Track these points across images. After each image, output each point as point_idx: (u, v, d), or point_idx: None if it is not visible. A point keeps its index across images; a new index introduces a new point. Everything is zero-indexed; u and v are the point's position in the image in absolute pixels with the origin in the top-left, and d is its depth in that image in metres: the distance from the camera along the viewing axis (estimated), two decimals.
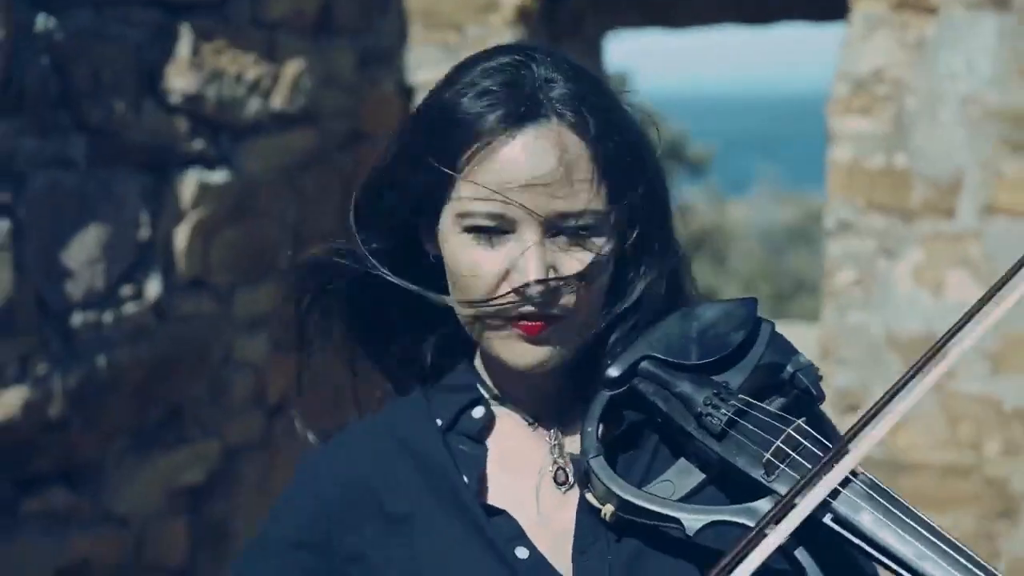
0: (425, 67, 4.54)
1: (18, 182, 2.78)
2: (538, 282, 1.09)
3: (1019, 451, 3.75)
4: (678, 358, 1.13)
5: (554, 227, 1.11)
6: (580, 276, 1.11)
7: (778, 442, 1.05)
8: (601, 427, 1.13)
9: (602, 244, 1.13)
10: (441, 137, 1.12)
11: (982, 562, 1.00)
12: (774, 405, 1.10)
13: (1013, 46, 3.71)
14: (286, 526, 1.22)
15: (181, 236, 3.32)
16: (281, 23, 3.71)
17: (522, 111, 1.11)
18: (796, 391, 1.11)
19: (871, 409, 1.01)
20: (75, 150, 2.92)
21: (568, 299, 1.11)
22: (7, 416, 2.72)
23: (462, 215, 1.11)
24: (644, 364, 1.14)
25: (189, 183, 3.30)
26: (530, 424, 1.20)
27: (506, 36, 4.30)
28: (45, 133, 2.81)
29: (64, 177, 2.90)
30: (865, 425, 1.02)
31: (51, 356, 2.82)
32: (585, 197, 1.11)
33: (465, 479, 1.16)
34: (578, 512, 1.14)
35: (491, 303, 1.12)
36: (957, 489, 3.86)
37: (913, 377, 1.03)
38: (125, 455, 3.06)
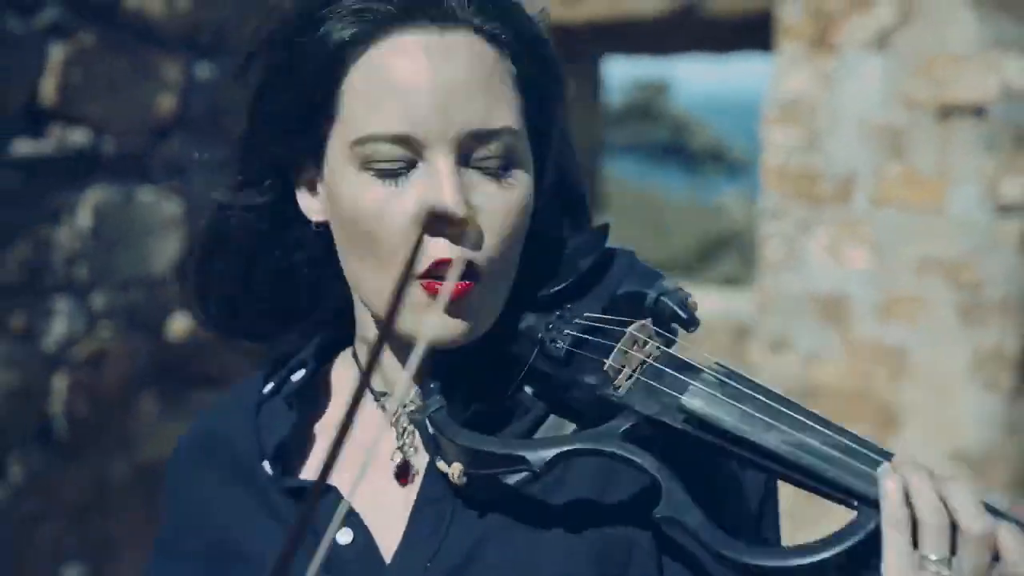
0: None
1: (183, 176, 4.02)
2: (454, 234, 0.92)
3: (898, 378, 4.83)
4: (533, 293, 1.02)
5: (468, 152, 0.94)
6: (504, 215, 0.96)
7: (619, 346, 0.96)
8: (440, 393, 0.99)
9: (522, 180, 0.97)
10: (317, 43, 0.94)
11: (851, 433, 0.92)
12: (638, 323, 0.99)
13: (892, 78, 4.78)
14: (166, 530, 1.12)
15: None
16: None
17: (424, 10, 0.94)
18: (664, 318, 1.00)
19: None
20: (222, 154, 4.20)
21: (491, 248, 0.95)
22: (179, 336, 3.99)
23: (357, 143, 0.94)
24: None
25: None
26: (377, 399, 1.06)
27: None
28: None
29: (213, 173, 4.16)
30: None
31: None
32: (503, 115, 0.95)
33: (267, 466, 1.03)
34: (419, 497, 1.00)
35: (394, 258, 0.94)
36: (856, 409, 4.92)
37: None
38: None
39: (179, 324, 3.95)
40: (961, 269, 4.81)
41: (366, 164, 0.93)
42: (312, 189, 0.99)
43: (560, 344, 0.97)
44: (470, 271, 0.93)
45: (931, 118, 4.80)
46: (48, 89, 3.44)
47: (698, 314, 0.99)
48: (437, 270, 0.92)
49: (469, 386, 1.00)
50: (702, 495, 0.90)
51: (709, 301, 5.63)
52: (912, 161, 4.86)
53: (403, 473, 1.00)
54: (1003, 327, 4.68)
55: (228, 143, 3.37)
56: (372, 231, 0.93)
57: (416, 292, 0.92)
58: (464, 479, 0.94)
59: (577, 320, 0.99)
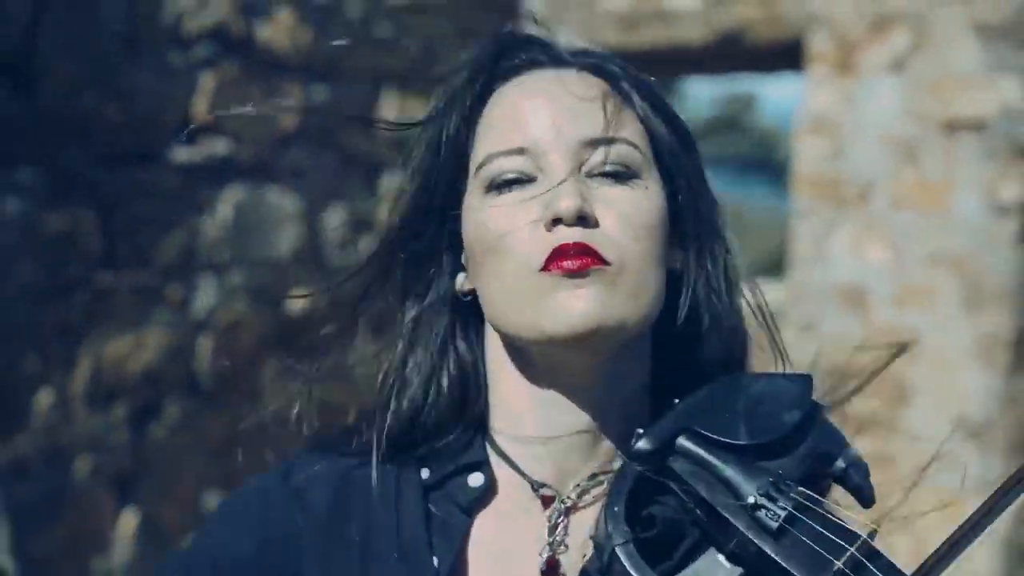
0: None
1: (301, 178, 4.76)
2: (571, 219, 0.92)
3: (910, 358, 5.31)
4: (724, 436, 0.93)
5: (584, 160, 0.95)
6: (623, 217, 0.94)
7: (852, 550, 0.90)
8: (624, 513, 0.91)
9: (646, 187, 0.96)
10: (451, 105, 1.00)
11: None
12: (861, 537, 0.93)
13: (906, 97, 5.20)
14: (242, 507, 1.07)
15: (386, 213, 5.31)
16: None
17: (539, 57, 1.00)
18: (846, 487, 0.96)
19: (940, 546, 0.97)
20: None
21: (616, 241, 0.94)
22: (297, 311, 4.72)
23: (481, 165, 0.97)
24: (682, 439, 0.93)
25: (390, 181, 5.24)
26: (536, 490, 0.98)
27: None
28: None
29: (325, 176, 4.88)
30: (948, 552, 0.93)
31: (320, 277, 4.81)
32: (619, 127, 0.96)
33: (435, 561, 0.95)
34: None
35: (527, 255, 0.93)
36: (874, 385, 5.53)
37: (970, 534, 0.96)
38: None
39: (296, 301, 4.73)
40: (964, 262, 5.18)
41: (491, 186, 0.96)
42: (458, 269, 1.01)
43: (775, 517, 0.89)
44: (596, 256, 0.92)
45: (939, 132, 5.19)
46: (200, 108, 4.19)
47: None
48: (559, 254, 0.92)
49: (650, 517, 0.92)
50: None
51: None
52: (923, 169, 5.24)
53: (552, 572, 0.95)
54: (1000, 313, 5.09)
55: (336, 150, 4.11)
56: (501, 243, 0.94)
57: (542, 281, 0.92)
58: None
59: (794, 495, 0.90)
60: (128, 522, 4.03)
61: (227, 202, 4.38)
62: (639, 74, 1.03)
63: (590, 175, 0.95)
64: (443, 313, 1.02)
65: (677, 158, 1.00)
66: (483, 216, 0.96)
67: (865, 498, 0.98)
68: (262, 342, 4.53)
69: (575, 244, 0.91)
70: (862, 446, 3.60)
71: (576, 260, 0.92)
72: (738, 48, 5.67)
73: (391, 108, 5.11)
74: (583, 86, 0.98)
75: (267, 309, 4.58)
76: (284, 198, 4.66)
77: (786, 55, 5.63)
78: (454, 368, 1.01)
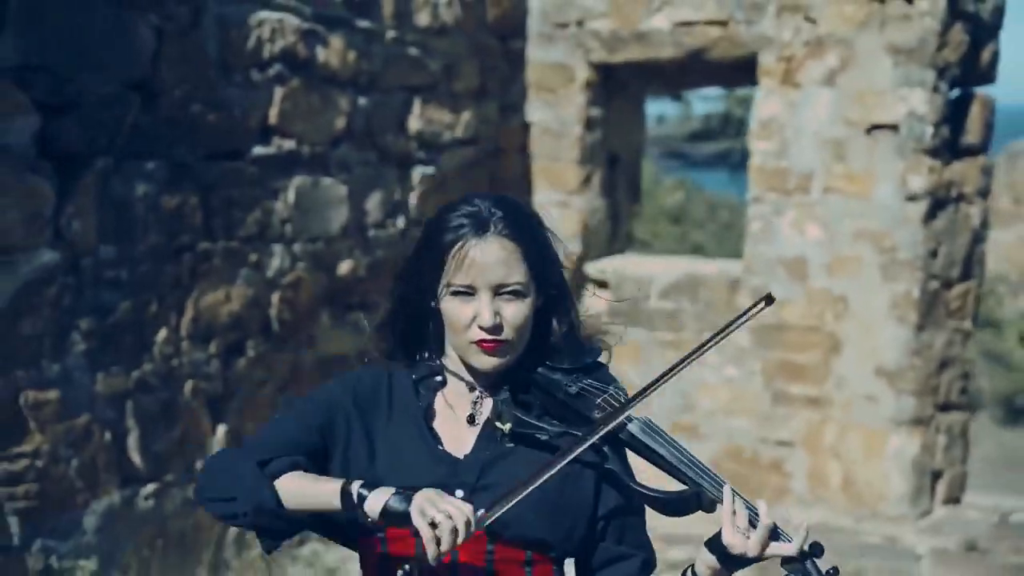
0: (536, 112, 6.73)
1: (348, 170, 5.75)
2: (489, 328, 1.79)
3: (840, 317, 6.04)
4: (558, 364, 1.89)
5: (498, 291, 1.80)
6: (513, 320, 1.80)
7: (599, 400, 1.84)
8: (508, 392, 1.87)
9: (527, 301, 1.82)
10: (437, 247, 1.81)
11: (700, 463, 1.78)
12: (609, 392, 1.87)
13: (837, 105, 6.00)
14: (322, 395, 1.92)
15: (413, 198, 6.26)
16: (460, 93, 6.44)
17: (479, 231, 1.79)
18: (610, 395, 1.86)
19: (642, 389, 1.80)
20: (373, 156, 5.90)
21: (507, 332, 1.81)
22: (344, 274, 5.75)
23: (448, 285, 1.80)
24: (540, 369, 1.89)
25: (417, 173, 6.29)
26: (470, 390, 1.90)
27: (580, 97, 6.58)
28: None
29: (366, 169, 5.89)
30: (638, 397, 1.81)
31: (362, 248, 5.84)
32: (515, 274, 1.80)
33: (420, 405, 1.89)
34: (479, 432, 1.87)
35: (467, 334, 1.81)
36: (811, 339, 6.14)
37: (660, 381, 1.80)
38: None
39: (345, 266, 5.72)
40: (882, 238, 5.97)
41: (453, 293, 1.82)
42: (439, 298, 1.85)
43: (573, 388, 1.85)
44: (499, 342, 1.81)
45: (862, 133, 5.99)
46: (273, 115, 5.10)
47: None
48: (482, 341, 1.81)
49: (522, 394, 1.87)
50: (622, 462, 1.82)
51: (712, 266, 7.09)
52: (850, 163, 6.03)
53: (471, 420, 1.88)
54: (910, 280, 5.91)
55: (375, 149, 5.21)
56: (455, 323, 1.82)
57: (474, 348, 1.82)
58: (510, 430, 1.81)
59: (580, 384, 1.86)
60: (220, 433, 5.03)
61: (293, 188, 5.25)
62: (533, 230, 1.86)
63: (500, 295, 1.80)
64: (423, 308, 1.90)
65: (544, 270, 1.85)
66: (448, 305, 1.82)
67: (620, 402, 1.85)
68: (317, 298, 5.47)
69: (490, 340, 1.80)
70: (801, 389, 4.83)
71: (490, 346, 1.81)
72: (702, 64, 6.49)
73: (417, 115, 6.14)
74: (500, 251, 1.79)
75: (322, 272, 5.48)
76: (335, 186, 5.54)
77: (742, 70, 6.48)
78: (423, 328, 1.93)
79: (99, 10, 4.29)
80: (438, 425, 1.88)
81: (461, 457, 1.84)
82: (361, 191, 5.69)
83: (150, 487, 4.66)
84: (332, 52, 5.43)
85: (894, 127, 5.96)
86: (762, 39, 6.28)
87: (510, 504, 1.70)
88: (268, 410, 5.20)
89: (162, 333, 4.69)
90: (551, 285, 1.87)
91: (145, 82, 4.51)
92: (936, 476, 6.24)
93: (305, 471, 1.80)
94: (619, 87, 7.01)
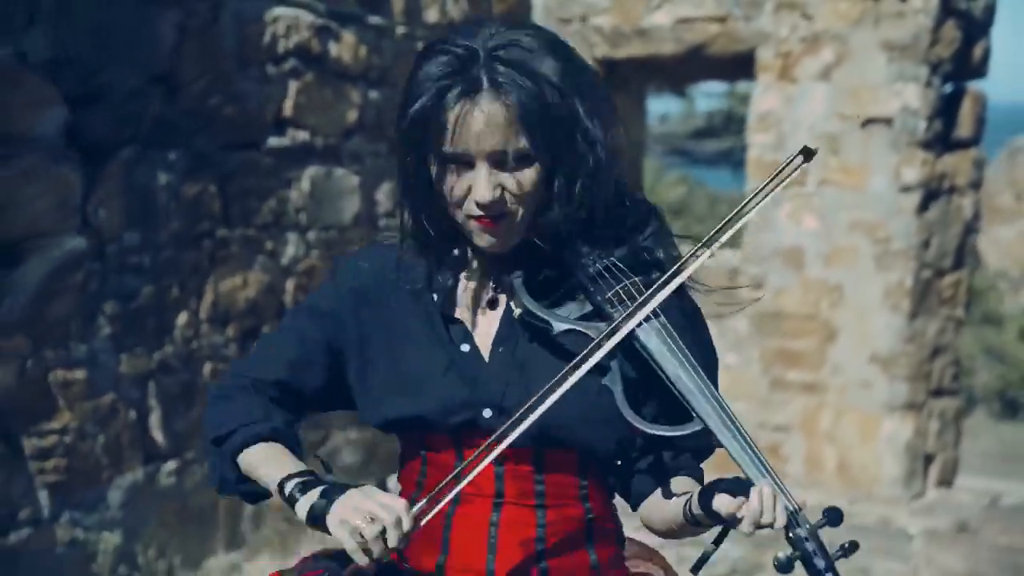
0: None
1: (360, 162, 5.92)
2: (487, 204, 1.53)
3: (836, 305, 6.20)
4: (603, 231, 1.60)
5: (497, 160, 1.53)
6: (515, 191, 1.54)
7: (617, 288, 1.56)
8: (523, 269, 1.62)
9: (534, 167, 1.54)
10: (417, 103, 1.53)
11: (718, 396, 1.51)
12: (632, 280, 1.58)
13: (832, 100, 6.15)
14: (316, 301, 1.74)
15: None
16: None
17: (471, 88, 1.50)
18: (652, 263, 1.61)
19: (662, 280, 1.54)
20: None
21: (511, 204, 1.56)
22: None
23: (438, 151, 1.54)
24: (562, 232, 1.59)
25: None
26: (490, 268, 1.67)
27: None
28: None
29: (377, 160, 6.04)
30: (662, 287, 1.52)
31: (373, 237, 5.97)
32: (518, 138, 1.51)
33: (435, 297, 1.67)
34: (500, 321, 1.66)
35: (462, 210, 1.57)
36: (807, 326, 6.29)
37: (672, 277, 1.54)
38: None
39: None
40: (877, 229, 6.12)
41: (442, 160, 1.56)
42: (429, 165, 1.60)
43: (592, 270, 1.57)
44: (499, 215, 1.56)
45: (857, 127, 6.13)
46: (288, 108, 5.25)
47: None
48: (478, 218, 1.57)
49: (540, 271, 1.62)
50: (631, 373, 1.55)
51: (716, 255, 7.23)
52: (845, 156, 6.17)
53: (492, 304, 1.67)
54: (904, 269, 6.06)
55: (385, 140, 5.34)
56: (447, 196, 1.58)
57: (473, 225, 1.58)
58: (520, 318, 1.60)
59: (605, 260, 1.58)
60: None
61: (307, 178, 5.42)
62: (540, 74, 1.53)
63: (500, 165, 1.54)
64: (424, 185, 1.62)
65: (552, 133, 1.54)
66: (440, 175, 1.57)
67: (660, 267, 1.63)
68: None
69: (487, 218, 1.56)
70: (797, 375, 5.01)
71: (486, 223, 1.57)
72: (701, 60, 6.65)
73: None
74: (495, 113, 1.50)
75: (333, 260, 5.68)
76: (347, 176, 5.70)
77: (741, 65, 6.63)
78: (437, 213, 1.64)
79: (124, 5, 4.49)
80: (461, 314, 1.68)
81: (486, 357, 1.65)
82: (372, 182, 5.87)
83: (171, 464, 4.86)
84: (344, 47, 5.60)
85: (888, 121, 6.12)
86: (760, 35, 6.44)
87: (492, 455, 1.51)
88: None
89: (182, 317, 4.88)
90: (568, 145, 1.56)
91: (167, 75, 4.70)
92: (928, 460, 6.42)
93: (275, 438, 1.65)
94: (621, 82, 7.14)
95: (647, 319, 1.53)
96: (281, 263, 5.37)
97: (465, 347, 1.66)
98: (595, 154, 1.58)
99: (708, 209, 17.08)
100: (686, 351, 1.52)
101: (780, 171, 1.59)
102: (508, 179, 1.55)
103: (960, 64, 6.23)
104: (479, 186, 1.54)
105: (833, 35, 6.23)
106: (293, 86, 5.33)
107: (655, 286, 1.53)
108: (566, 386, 1.49)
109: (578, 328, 1.56)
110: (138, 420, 4.68)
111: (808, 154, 1.57)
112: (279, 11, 5.21)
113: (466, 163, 1.55)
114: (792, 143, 6.38)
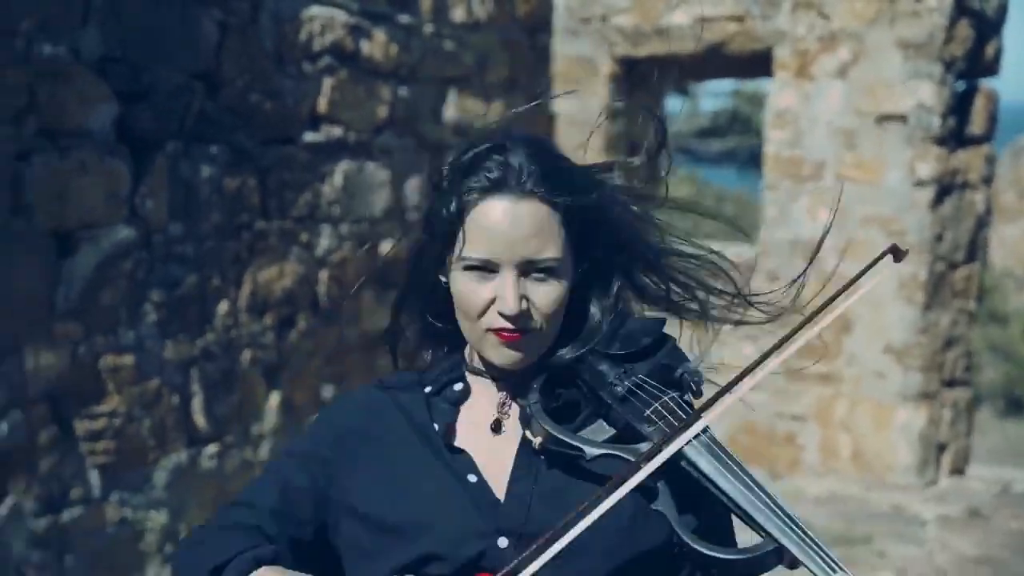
0: (563, 103, 6.93)
1: (390, 156, 6.08)
2: (512, 316, 1.40)
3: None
4: (604, 349, 1.49)
5: (525, 269, 1.41)
6: (542, 306, 1.42)
7: (656, 405, 1.41)
8: (540, 391, 1.47)
9: (561, 281, 1.44)
10: (449, 208, 1.43)
11: (782, 506, 1.31)
12: (670, 396, 1.43)
13: (848, 97, 6.28)
14: (302, 446, 1.57)
15: None
16: (492, 85, 6.73)
17: (502, 189, 1.40)
18: (687, 386, 1.46)
19: (715, 395, 1.37)
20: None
21: (535, 319, 1.43)
22: (386, 254, 6.02)
23: (460, 258, 1.42)
24: (579, 353, 1.49)
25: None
26: (498, 391, 1.52)
27: (603, 90, 6.83)
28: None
29: (406, 155, 6.20)
30: (709, 406, 1.36)
31: (402, 230, 6.10)
32: (549, 247, 1.41)
33: (436, 427, 1.50)
34: (518, 451, 1.47)
35: (481, 321, 1.43)
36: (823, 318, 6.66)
37: (739, 381, 1.38)
38: None
39: (386, 246, 6.03)
40: (891, 222, 6.26)
41: (466, 268, 1.44)
42: (444, 271, 1.49)
43: (621, 389, 1.44)
44: (523, 332, 1.43)
45: (872, 123, 6.26)
46: (322, 104, 5.41)
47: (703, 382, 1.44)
48: (501, 331, 1.43)
49: (557, 395, 1.48)
50: (680, 498, 1.36)
51: (728, 250, 7.34)
52: (860, 152, 6.31)
53: (496, 428, 1.51)
54: (917, 262, 6.20)
55: (414, 136, 5.52)
56: (468, 308, 1.44)
57: (490, 339, 1.44)
58: (542, 447, 1.42)
59: (634, 378, 1.45)
60: (274, 400, 5.39)
61: (340, 172, 5.57)
62: (573, 184, 1.45)
63: (526, 275, 1.43)
64: (433, 288, 1.52)
65: (589, 240, 1.47)
66: (460, 283, 1.44)
67: (693, 391, 1.46)
68: (361, 276, 5.76)
69: (511, 329, 1.43)
70: (813, 368, 5.08)
71: (510, 337, 1.43)
72: (720, 58, 6.80)
73: (452, 105, 6.49)
74: (532, 217, 1.41)
75: (365, 252, 5.81)
76: (378, 170, 5.86)
77: (758, 64, 6.78)
78: (439, 323, 1.56)
79: (169, 5, 4.66)
80: (465, 445, 1.51)
81: (502, 486, 1.47)
82: (401, 176, 6.03)
83: (212, 448, 5.02)
84: (376, 45, 5.76)
85: (902, 118, 6.26)
86: (777, 34, 6.59)
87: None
88: (316, 380, 5.56)
89: (223, 306, 5.04)
90: (594, 259, 1.52)
91: (209, 73, 4.86)
92: (941, 448, 6.57)
93: (278, 561, 1.44)
94: (640, 80, 7.27)
95: (696, 436, 1.37)
96: (315, 254, 5.52)
97: (472, 478, 1.47)
98: (629, 270, 1.53)
99: (715, 207, 17.18)
100: (742, 465, 1.37)
101: (867, 269, 1.51)
102: (535, 290, 1.44)
103: (973, 62, 6.36)
104: (507, 294, 1.42)
105: (849, 34, 6.37)
106: (327, 83, 5.49)
107: (712, 399, 1.39)
108: (603, 507, 1.31)
109: (615, 453, 1.40)
110: (181, 404, 4.84)
111: (897, 254, 1.47)
112: (315, 10, 5.37)
113: (489, 270, 1.43)
114: (809, 139, 6.55)
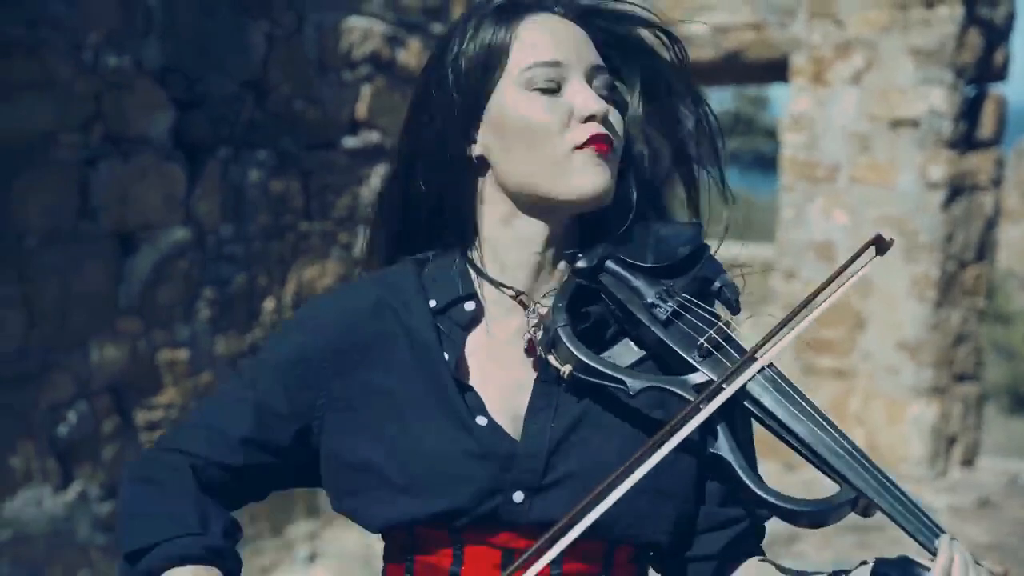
0: None
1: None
2: (602, 116, 1.21)
3: (865, 295, 6.51)
4: (636, 260, 1.26)
5: (590, 79, 1.24)
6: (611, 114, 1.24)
7: (711, 332, 1.21)
8: (567, 307, 1.25)
9: (616, 102, 1.26)
10: (490, 36, 1.24)
11: (861, 450, 1.15)
12: (722, 320, 1.23)
13: (862, 102, 6.50)
14: (286, 353, 1.30)
15: None
16: None
17: (547, 6, 1.27)
18: (720, 300, 1.26)
19: (780, 323, 1.18)
20: None
21: (612, 132, 1.24)
22: None
23: (526, 69, 1.22)
24: (609, 261, 1.27)
25: None
26: (515, 299, 1.28)
27: None
28: None
29: None
30: (776, 333, 1.17)
31: None
32: (605, 64, 1.26)
33: (446, 356, 1.25)
34: (536, 381, 1.25)
35: (562, 137, 1.22)
36: (838, 315, 6.57)
37: (804, 307, 1.18)
38: None
39: None
40: (904, 223, 6.45)
41: (530, 86, 1.23)
42: (473, 141, 1.26)
43: (663, 312, 1.23)
44: (611, 145, 1.24)
45: (886, 127, 6.47)
46: (361, 110, 5.64)
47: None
48: (595, 140, 1.22)
49: (585, 314, 1.27)
50: (739, 443, 1.17)
51: (744, 250, 7.54)
52: (874, 155, 6.51)
53: (531, 349, 1.27)
54: (929, 261, 6.40)
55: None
56: (542, 127, 1.22)
57: (579, 158, 1.22)
58: (570, 377, 1.21)
59: (677, 298, 1.24)
60: None
61: (377, 175, 5.77)
62: (613, 22, 1.30)
63: (593, 84, 1.25)
64: (449, 170, 1.27)
65: (644, 76, 1.29)
66: (526, 105, 1.23)
67: (732, 307, 1.25)
68: None
69: (605, 135, 1.23)
70: (828, 362, 5.38)
71: (604, 146, 1.22)
72: (738, 65, 7.02)
73: None
74: (581, 32, 1.27)
75: None
76: None
77: (775, 70, 7.01)
78: (443, 203, 1.29)
79: (221, 19, 4.91)
80: (476, 376, 1.28)
81: (516, 428, 1.25)
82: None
83: None
84: (410, 54, 5.98)
85: (915, 122, 6.48)
86: (793, 42, 6.82)
87: (560, 545, 1.15)
88: None
89: (269, 303, 5.29)
90: (656, 104, 1.32)
91: (257, 81, 5.10)
92: (951, 441, 6.79)
93: (209, 560, 1.23)
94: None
95: (760, 370, 1.19)
96: (354, 254, 5.72)
97: (481, 420, 1.24)
98: (677, 132, 1.33)
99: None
100: (813, 404, 1.20)
101: (850, 261, 1.24)
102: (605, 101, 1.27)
103: (982, 69, 6.59)
104: (588, 94, 1.24)
105: (863, 42, 6.60)
106: (366, 90, 5.71)
107: (778, 327, 1.20)
108: (657, 457, 1.16)
109: (665, 386, 1.21)
110: None
111: (880, 245, 1.22)
112: (354, 21, 5.61)
113: (554, 90, 1.25)
114: (824, 143, 6.78)
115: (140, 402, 4.63)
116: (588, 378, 1.22)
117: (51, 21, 4.17)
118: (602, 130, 1.22)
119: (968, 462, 6.89)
